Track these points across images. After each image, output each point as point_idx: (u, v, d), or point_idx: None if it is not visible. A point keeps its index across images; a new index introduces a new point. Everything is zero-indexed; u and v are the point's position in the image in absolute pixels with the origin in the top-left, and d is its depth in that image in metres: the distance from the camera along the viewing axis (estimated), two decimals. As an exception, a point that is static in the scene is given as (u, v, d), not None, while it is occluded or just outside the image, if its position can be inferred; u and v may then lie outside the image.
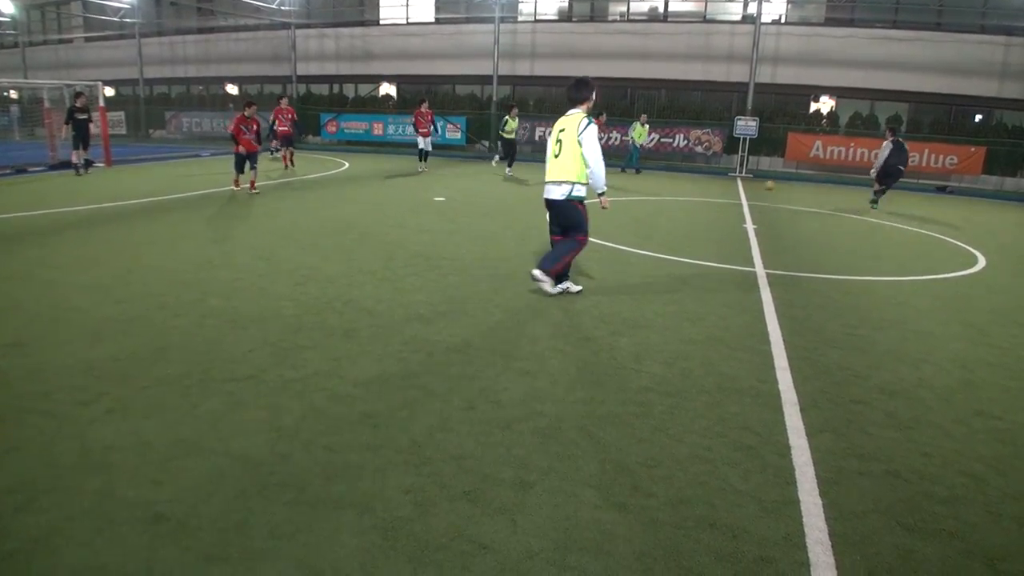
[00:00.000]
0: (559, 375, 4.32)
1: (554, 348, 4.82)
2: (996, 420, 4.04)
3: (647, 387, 4.20)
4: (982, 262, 9.05)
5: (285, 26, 28.98)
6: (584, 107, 5.97)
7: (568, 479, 3.12)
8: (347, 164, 19.38)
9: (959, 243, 10.60)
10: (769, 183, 18.01)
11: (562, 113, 6.15)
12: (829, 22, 24.19)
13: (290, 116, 17.25)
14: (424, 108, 17.12)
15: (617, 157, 21.98)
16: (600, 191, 6.03)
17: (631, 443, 3.48)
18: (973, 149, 21.58)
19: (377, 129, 26.81)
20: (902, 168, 14.00)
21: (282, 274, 6.61)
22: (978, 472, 3.40)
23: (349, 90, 30.27)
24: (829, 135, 23.04)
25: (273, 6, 27.49)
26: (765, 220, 11.88)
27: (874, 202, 14.40)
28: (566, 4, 26.98)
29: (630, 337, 5.14)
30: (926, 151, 21.78)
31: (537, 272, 6.01)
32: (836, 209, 14.34)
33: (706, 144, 23.58)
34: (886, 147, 13.85)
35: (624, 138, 23.32)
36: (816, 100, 24.93)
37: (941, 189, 21.04)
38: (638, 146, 20.83)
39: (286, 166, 17.16)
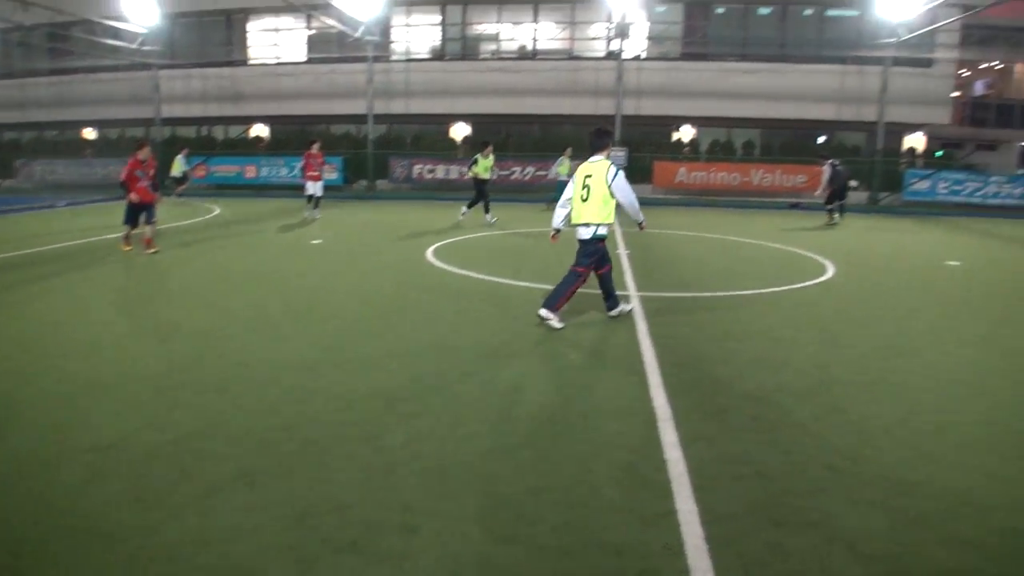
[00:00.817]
0: (442, 413, 4.32)
1: (435, 387, 4.81)
2: (848, 414, 4.39)
3: (529, 416, 4.27)
4: (831, 271, 9.86)
5: (147, 67, 27.72)
6: (605, 153, 6.50)
7: (454, 517, 3.11)
8: (218, 209, 18.66)
9: (811, 255, 11.50)
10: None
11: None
12: (685, 56, 25.88)
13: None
14: (315, 150, 15.86)
15: (519, 191, 22.23)
16: (640, 220, 6.70)
17: (515, 474, 3.52)
18: (818, 167, 23.50)
19: (250, 172, 26.01)
20: (845, 186, 17.42)
21: (147, 331, 6.26)
22: (835, 464, 3.67)
23: (219, 132, 29.29)
24: (692, 162, 24.51)
25: (134, 46, 26.24)
26: (637, 245, 12.41)
27: (834, 217, 17.01)
28: (438, 43, 27.43)
29: (511, 368, 5.22)
30: (778, 171, 23.59)
31: (543, 311, 6.37)
32: (704, 230, 15.19)
33: (580, 174, 24.38)
34: (826, 171, 16.91)
35: (512, 173, 23.80)
36: (678, 129, 26.50)
37: (794, 206, 22.76)
38: (564, 179, 20.83)
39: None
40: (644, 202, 20.38)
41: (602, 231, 6.43)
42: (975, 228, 17.68)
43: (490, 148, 15.75)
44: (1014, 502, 3.33)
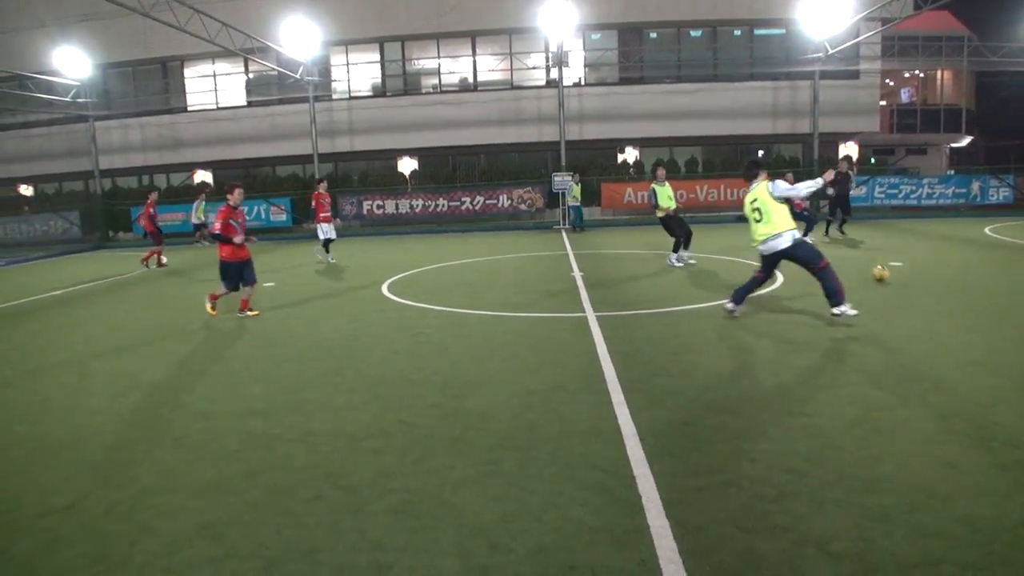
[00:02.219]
0: (408, 448, 4.27)
1: (400, 421, 4.76)
2: (807, 417, 4.48)
3: (496, 444, 4.25)
4: (780, 279, 10.10)
5: (83, 119, 27.15)
6: (761, 177, 7.21)
7: (426, 552, 3.07)
8: (165, 260, 18.22)
9: (759, 265, 11.73)
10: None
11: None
12: (623, 81, 26.47)
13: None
14: (323, 189, 14.75)
15: (471, 222, 22.23)
16: (820, 185, 7.30)
17: (485, 503, 3.49)
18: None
19: (196, 219, 25.41)
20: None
21: (98, 387, 6.06)
22: (799, 467, 3.74)
23: (160, 180, 28.75)
24: (638, 182, 24.93)
25: (67, 99, 25.69)
26: (590, 266, 12.56)
27: (830, 230, 16.29)
28: (379, 80, 27.54)
29: (475, 398, 5.20)
30: (722, 186, 24.16)
31: (836, 310, 6.87)
32: (653, 248, 15.44)
33: (529, 201, 24.67)
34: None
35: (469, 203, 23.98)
36: (622, 151, 27.02)
37: (740, 219, 23.32)
38: (578, 204, 21.86)
39: (160, 263, 16.25)
40: (594, 224, 20.45)
41: (796, 233, 7.00)
42: (913, 229, 18.36)
43: (662, 169, 12.38)
44: (974, 489, 3.43)
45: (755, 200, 7.10)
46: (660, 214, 12.06)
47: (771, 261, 7.27)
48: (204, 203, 21.44)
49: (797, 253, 7.01)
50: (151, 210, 16.39)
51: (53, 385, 6.22)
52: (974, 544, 2.95)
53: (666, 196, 11.96)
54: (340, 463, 4.08)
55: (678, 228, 12.00)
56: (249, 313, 9.04)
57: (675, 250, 12.10)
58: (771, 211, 7.01)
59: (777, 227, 7.00)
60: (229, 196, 8.83)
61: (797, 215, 14.28)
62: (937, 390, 4.97)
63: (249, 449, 4.38)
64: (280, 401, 5.35)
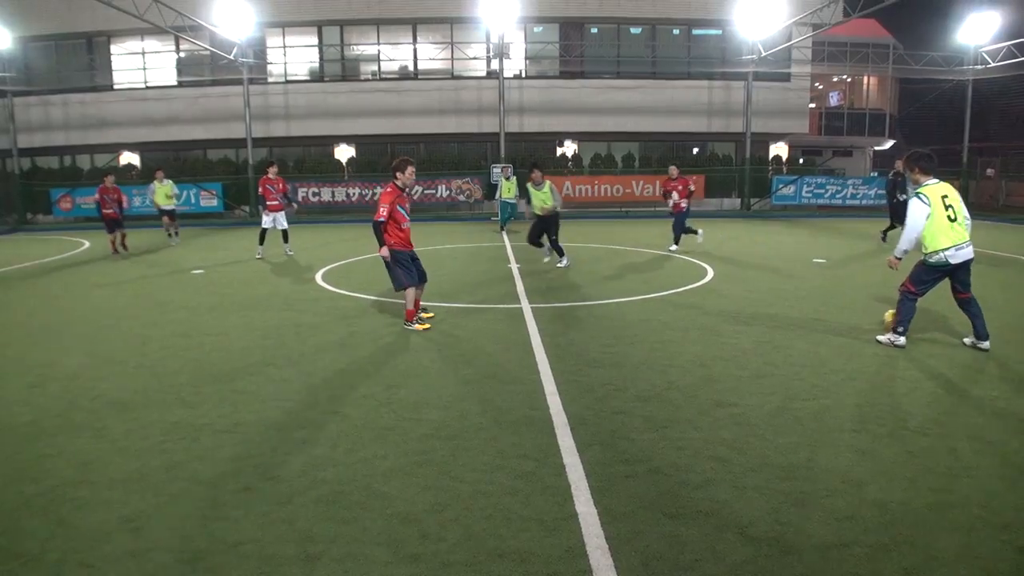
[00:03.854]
0: (339, 438, 4.22)
1: (331, 412, 4.70)
2: (732, 407, 4.63)
3: (428, 434, 4.25)
4: (711, 273, 10.38)
5: (1, 94, 25.69)
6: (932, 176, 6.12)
7: (356, 541, 3.05)
8: (87, 243, 17.48)
9: (692, 259, 12.07)
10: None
11: None
12: (563, 75, 26.65)
13: (116, 196, 15.29)
14: (272, 174, 13.49)
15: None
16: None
17: (416, 492, 3.49)
18: (695, 177, 24.74)
19: (159, 202, 24.24)
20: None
21: (11, 376, 5.76)
22: (723, 455, 3.87)
23: (84, 161, 27.46)
24: (576, 175, 25.18)
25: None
26: (527, 259, 12.63)
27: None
28: (317, 64, 26.95)
29: (408, 388, 5.17)
30: (657, 183, 24.54)
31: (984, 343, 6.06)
32: (588, 241, 15.63)
33: (467, 192, 24.61)
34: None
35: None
36: (561, 145, 27.22)
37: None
38: (509, 201, 18.67)
39: (114, 251, 15.02)
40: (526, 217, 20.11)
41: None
42: (836, 227, 19.12)
43: (536, 172, 11.73)
44: (884, 475, 3.62)
45: (946, 196, 5.95)
46: (535, 213, 11.51)
47: (942, 274, 6.08)
48: (163, 183, 17.62)
49: (968, 267, 6.07)
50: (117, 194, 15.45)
51: (-39, 374, 5.89)
52: (884, 526, 3.11)
53: (539, 200, 11.35)
54: (269, 454, 4.00)
55: (540, 229, 11.45)
56: (423, 317, 7.32)
57: (557, 248, 11.44)
58: (961, 215, 5.96)
59: (967, 235, 5.99)
60: (399, 175, 6.89)
61: (680, 217, 13.23)
62: (854, 381, 5.21)
63: (172, 440, 4.25)
64: (208, 391, 5.20)
